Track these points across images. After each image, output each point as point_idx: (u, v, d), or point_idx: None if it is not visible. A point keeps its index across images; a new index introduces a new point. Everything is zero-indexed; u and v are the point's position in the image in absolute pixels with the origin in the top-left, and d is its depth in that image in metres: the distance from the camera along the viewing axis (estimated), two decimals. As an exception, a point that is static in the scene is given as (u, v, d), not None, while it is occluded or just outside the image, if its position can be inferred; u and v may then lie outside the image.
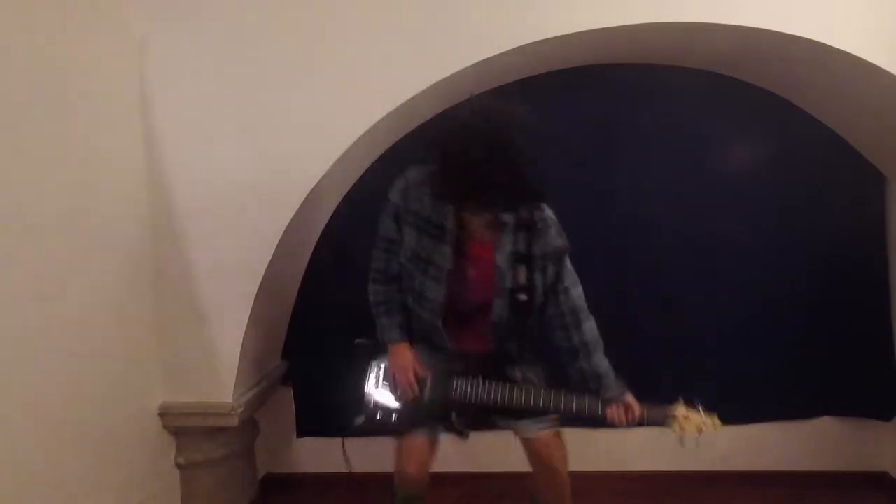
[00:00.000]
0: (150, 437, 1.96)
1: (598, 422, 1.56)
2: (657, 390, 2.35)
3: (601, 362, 1.61)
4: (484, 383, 1.59)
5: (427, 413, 1.63)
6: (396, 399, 1.64)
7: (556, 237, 1.58)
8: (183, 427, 2.02)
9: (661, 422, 1.50)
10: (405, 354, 1.63)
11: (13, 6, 1.44)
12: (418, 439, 1.64)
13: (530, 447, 1.68)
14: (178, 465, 2.06)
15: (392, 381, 1.65)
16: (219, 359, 2.00)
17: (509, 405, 1.57)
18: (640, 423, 1.55)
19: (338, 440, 2.48)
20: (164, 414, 2.00)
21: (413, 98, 1.90)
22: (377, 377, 1.69)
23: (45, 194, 1.53)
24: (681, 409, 1.49)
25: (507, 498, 1.90)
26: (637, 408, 1.55)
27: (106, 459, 1.73)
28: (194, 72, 1.91)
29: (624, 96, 2.30)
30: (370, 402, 1.68)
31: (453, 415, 1.62)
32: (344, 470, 2.50)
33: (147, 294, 1.95)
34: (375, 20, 1.88)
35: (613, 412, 1.54)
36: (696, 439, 1.46)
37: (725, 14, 1.79)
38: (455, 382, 1.61)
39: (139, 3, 1.88)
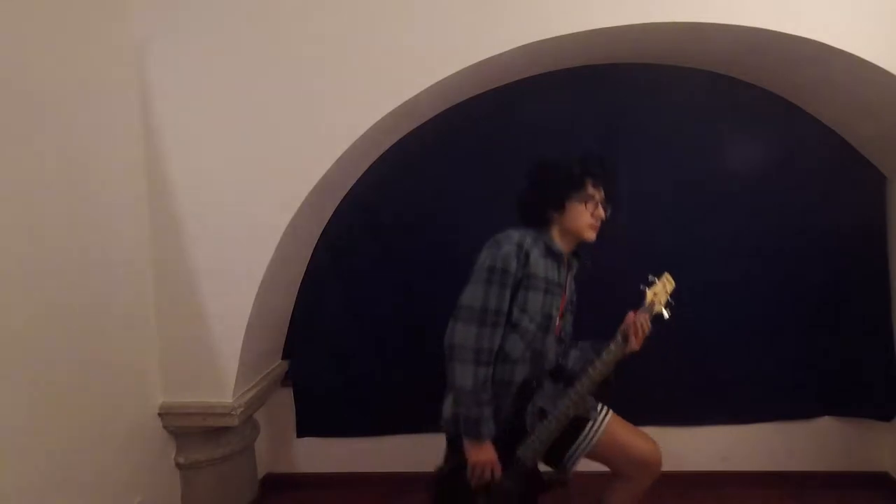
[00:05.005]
0: (150, 437, 1.96)
1: (626, 357, 1.59)
2: (656, 390, 2.37)
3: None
4: (542, 425, 1.57)
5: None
6: (474, 485, 1.56)
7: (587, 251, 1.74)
8: (183, 427, 2.02)
9: (652, 311, 1.59)
10: (492, 449, 1.53)
11: (13, 7, 1.45)
12: None
13: (606, 448, 1.66)
14: (178, 465, 2.06)
15: (474, 476, 1.54)
16: (219, 359, 2.00)
17: (574, 411, 1.58)
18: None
19: (338, 440, 2.49)
20: (164, 414, 2.00)
21: (413, 98, 1.90)
22: None
23: (45, 194, 1.53)
24: (650, 294, 1.60)
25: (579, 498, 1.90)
26: (634, 318, 1.58)
27: (106, 459, 1.73)
28: (194, 72, 1.91)
29: (624, 96, 2.30)
30: None
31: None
32: (344, 470, 2.52)
33: (147, 294, 1.96)
34: (375, 20, 1.88)
35: (630, 330, 1.56)
36: (670, 303, 1.62)
37: (725, 14, 1.79)
38: (519, 453, 1.57)
39: (139, 5, 1.88)
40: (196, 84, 1.92)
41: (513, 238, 1.56)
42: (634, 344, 1.56)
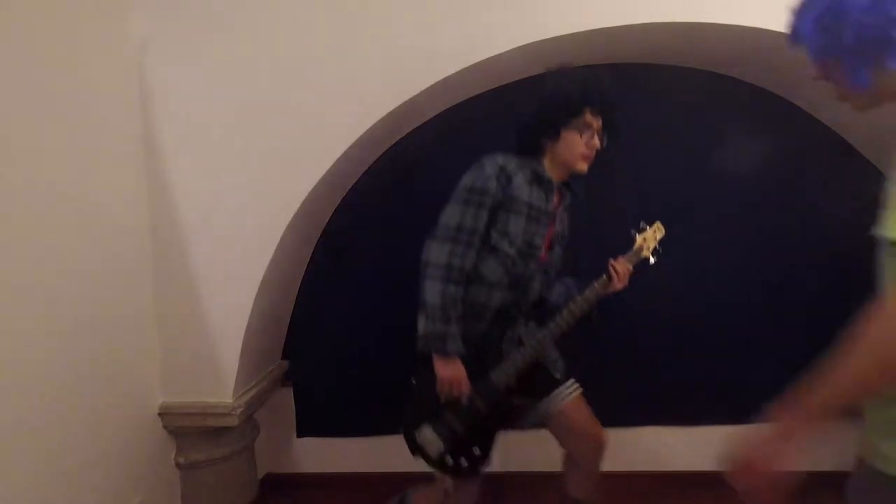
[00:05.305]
0: (150, 437, 1.96)
1: (609, 294, 1.63)
2: (657, 390, 2.37)
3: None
4: (518, 351, 1.61)
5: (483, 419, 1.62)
6: (443, 402, 1.61)
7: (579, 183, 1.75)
8: (183, 427, 2.02)
9: (639, 256, 1.66)
10: (459, 366, 1.56)
11: (14, 6, 1.44)
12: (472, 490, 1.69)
13: (566, 417, 1.68)
14: (178, 465, 2.06)
15: (442, 390, 1.59)
16: (219, 359, 2.00)
17: (546, 349, 1.65)
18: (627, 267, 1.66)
19: (338, 440, 2.49)
20: (164, 414, 2.00)
21: (413, 98, 1.90)
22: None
23: (44, 194, 1.53)
24: (639, 239, 1.68)
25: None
26: (618, 262, 1.63)
27: (106, 460, 1.73)
28: (194, 72, 1.91)
29: (624, 96, 2.29)
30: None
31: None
32: (344, 470, 2.52)
33: (147, 294, 1.96)
34: (375, 20, 1.88)
35: (614, 273, 1.61)
36: (658, 249, 1.69)
37: (725, 14, 1.79)
38: (493, 376, 1.61)
39: (140, 4, 1.88)
40: (196, 84, 1.92)
41: (496, 160, 1.58)
42: (617, 283, 1.61)
